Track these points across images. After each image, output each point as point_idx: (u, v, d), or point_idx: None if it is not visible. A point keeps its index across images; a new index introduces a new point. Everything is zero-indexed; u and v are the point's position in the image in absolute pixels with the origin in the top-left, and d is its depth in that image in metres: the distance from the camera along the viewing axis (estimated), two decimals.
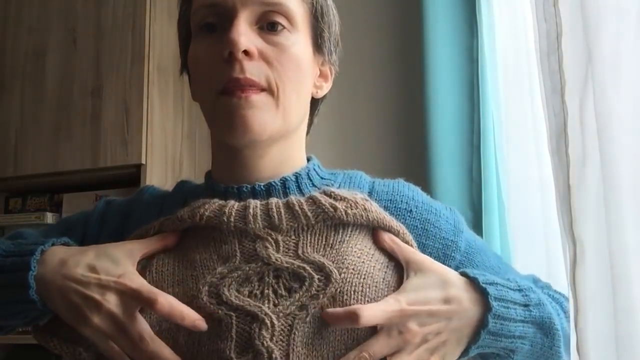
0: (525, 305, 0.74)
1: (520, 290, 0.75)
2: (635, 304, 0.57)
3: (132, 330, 0.67)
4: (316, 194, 0.76)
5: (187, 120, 1.94)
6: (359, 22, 1.90)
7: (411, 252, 0.74)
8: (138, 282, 0.69)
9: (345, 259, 0.71)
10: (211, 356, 0.66)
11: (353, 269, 0.70)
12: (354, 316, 0.65)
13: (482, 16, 1.63)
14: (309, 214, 0.73)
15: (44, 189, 1.93)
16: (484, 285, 0.72)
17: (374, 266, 0.71)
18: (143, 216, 0.81)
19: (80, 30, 1.85)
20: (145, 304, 0.67)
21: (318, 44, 0.81)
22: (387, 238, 0.75)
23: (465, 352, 0.72)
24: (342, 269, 0.69)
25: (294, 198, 0.75)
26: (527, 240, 1.50)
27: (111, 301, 0.67)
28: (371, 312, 0.66)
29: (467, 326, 0.71)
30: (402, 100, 1.86)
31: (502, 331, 0.71)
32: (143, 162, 1.72)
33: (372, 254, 0.73)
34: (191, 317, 0.67)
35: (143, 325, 0.67)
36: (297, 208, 0.74)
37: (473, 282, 0.73)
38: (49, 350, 0.73)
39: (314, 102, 0.86)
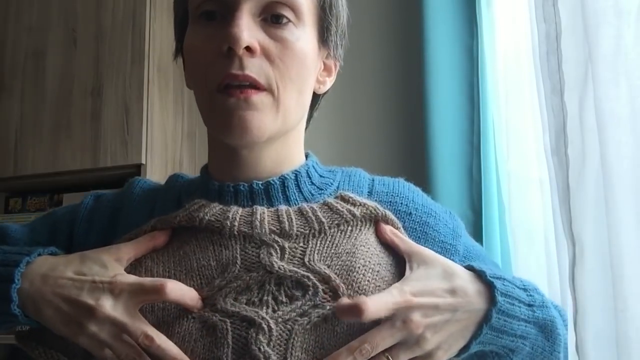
0: (530, 305, 0.72)
1: (525, 290, 0.73)
2: (634, 303, 0.57)
3: (134, 329, 0.63)
4: (331, 200, 0.74)
5: (187, 120, 1.94)
6: (358, 22, 1.89)
7: (413, 245, 0.73)
8: (134, 278, 0.66)
9: (350, 274, 0.68)
10: None
11: (358, 289, 0.68)
12: (357, 310, 0.62)
13: (482, 16, 1.63)
14: (323, 219, 0.72)
15: (44, 189, 1.93)
16: (490, 279, 0.69)
17: (379, 286, 0.69)
18: (134, 211, 0.78)
19: (80, 30, 1.85)
20: (152, 294, 0.64)
21: (324, 37, 0.76)
22: (388, 231, 0.74)
23: (466, 346, 0.69)
24: (347, 285, 0.68)
25: (306, 205, 0.73)
26: (527, 240, 1.50)
27: (106, 305, 0.64)
28: (375, 305, 0.63)
29: (471, 319, 0.68)
30: (402, 100, 1.86)
31: (504, 328, 0.69)
32: (143, 162, 1.72)
33: (378, 271, 0.70)
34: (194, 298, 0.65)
35: (145, 322, 0.64)
36: (310, 214, 0.72)
37: (480, 275, 0.70)
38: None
39: (315, 97, 0.82)
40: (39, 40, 1.88)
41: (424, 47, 1.68)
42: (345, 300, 0.64)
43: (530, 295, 0.72)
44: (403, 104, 1.85)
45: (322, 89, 0.81)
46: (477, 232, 1.51)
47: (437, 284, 0.68)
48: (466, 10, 1.67)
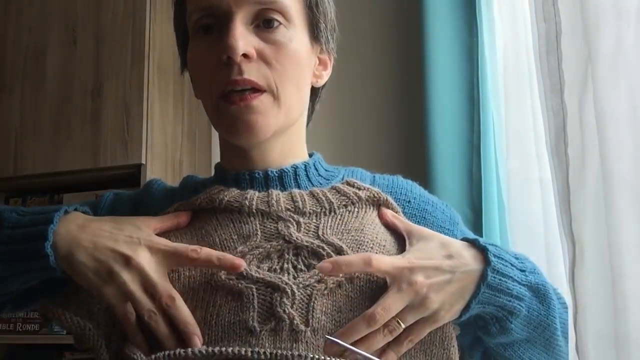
0: (522, 270, 0.77)
1: (517, 258, 0.79)
2: (634, 304, 0.57)
3: (161, 288, 0.67)
4: (339, 184, 0.81)
5: (187, 120, 1.94)
6: (359, 22, 1.90)
7: (412, 224, 0.79)
8: (170, 244, 0.70)
9: (360, 247, 0.74)
10: (232, 327, 0.68)
11: None
12: (367, 259, 0.69)
13: (482, 16, 1.63)
14: (332, 200, 0.78)
15: (44, 189, 1.93)
16: (483, 244, 0.75)
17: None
18: (154, 207, 0.82)
19: (80, 30, 1.85)
20: (186, 259, 0.68)
21: (315, 34, 0.82)
22: (389, 214, 0.80)
23: (466, 307, 0.73)
24: None
25: (316, 189, 0.80)
26: (527, 240, 1.50)
27: (142, 257, 0.68)
28: (382, 260, 0.70)
29: (469, 279, 0.73)
30: (402, 100, 1.86)
31: (500, 286, 0.74)
32: (143, 162, 1.72)
33: (384, 245, 0.76)
34: (228, 258, 0.69)
35: (170, 285, 0.69)
36: (321, 196, 0.79)
37: (473, 243, 0.77)
38: (61, 325, 0.72)
39: (314, 90, 0.87)
40: (39, 40, 1.88)
41: (424, 47, 1.68)
42: (353, 256, 0.71)
43: (522, 262, 0.78)
44: (403, 104, 1.85)
45: (320, 82, 0.87)
46: (477, 232, 1.51)
47: (436, 251, 0.74)
48: (466, 10, 1.66)
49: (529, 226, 1.50)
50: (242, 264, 0.68)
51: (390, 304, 0.69)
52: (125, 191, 0.89)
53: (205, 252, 0.69)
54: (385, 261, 0.70)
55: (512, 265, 0.76)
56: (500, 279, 0.73)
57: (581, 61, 0.63)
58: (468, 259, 0.74)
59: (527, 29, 1.53)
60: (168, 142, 1.84)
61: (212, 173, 0.88)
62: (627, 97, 0.60)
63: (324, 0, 0.82)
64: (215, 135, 2.06)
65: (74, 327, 0.71)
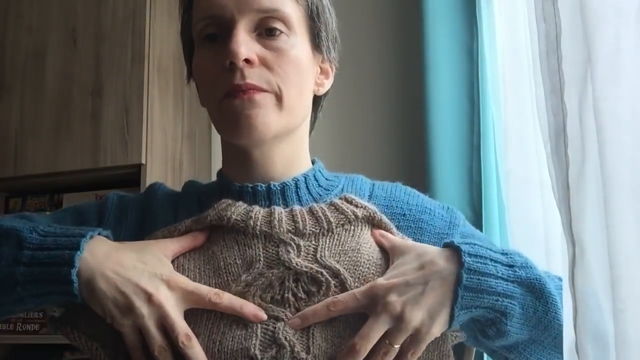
0: (510, 266, 0.74)
1: (505, 254, 0.76)
2: (633, 304, 0.57)
3: (178, 326, 0.69)
4: (337, 200, 0.82)
5: (187, 120, 1.94)
6: (358, 23, 1.90)
7: (395, 240, 0.79)
8: (192, 283, 0.72)
9: (357, 268, 0.76)
10: (235, 355, 0.70)
11: (364, 281, 0.75)
12: (329, 304, 0.71)
13: (482, 16, 1.63)
14: (331, 219, 0.79)
15: (44, 189, 1.93)
16: (457, 244, 0.74)
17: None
18: (160, 212, 0.84)
19: (80, 30, 1.85)
20: (208, 303, 0.70)
21: (316, 43, 0.83)
22: (377, 234, 0.81)
23: (452, 317, 0.72)
24: (355, 279, 0.75)
25: (316, 205, 0.81)
26: (527, 240, 1.50)
27: (163, 294, 0.70)
28: (342, 300, 0.72)
29: (445, 286, 0.72)
30: (402, 100, 1.86)
31: (481, 286, 0.71)
32: (143, 162, 1.72)
33: (380, 264, 0.78)
34: (250, 308, 0.71)
35: (186, 324, 0.70)
36: (320, 214, 0.80)
37: (449, 245, 0.76)
38: (70, 342, 0.73)
39: (317, 99, 0.89)
40: (39, 40, 1.88)
41: (424, 47, 1.68)
42: (315, 306, 0.72)
43: (511, 258, 0.75)
44: (403, 105, 1.85)
45: (322, 91, 0.88)
46: None
47: (408, 265, 0.74)
48: (466, 10, 1.67)
49: (529, 226, 1.50)
50: (263, 316, 0.71)
51: (368, 332, 0.70)
52: (127, 193, 0.89)
53: (228, 298, 0.71)
54: (346, 298, 0.72)
55: (494, 261, 0.73)
56: (479, 279, 0.71)
57: (581, 61, 0.63)
58: (441, 264, 0.72)
59: (527, 29, 1.53)
60: (168, 142, 1.84)
61: (212, 174, 0.89)
62: (627, 97, 0.60)
63: (325, 11, 0.84)
64: (215, 135, 2.06)
65: (81, 345, 0.73)
